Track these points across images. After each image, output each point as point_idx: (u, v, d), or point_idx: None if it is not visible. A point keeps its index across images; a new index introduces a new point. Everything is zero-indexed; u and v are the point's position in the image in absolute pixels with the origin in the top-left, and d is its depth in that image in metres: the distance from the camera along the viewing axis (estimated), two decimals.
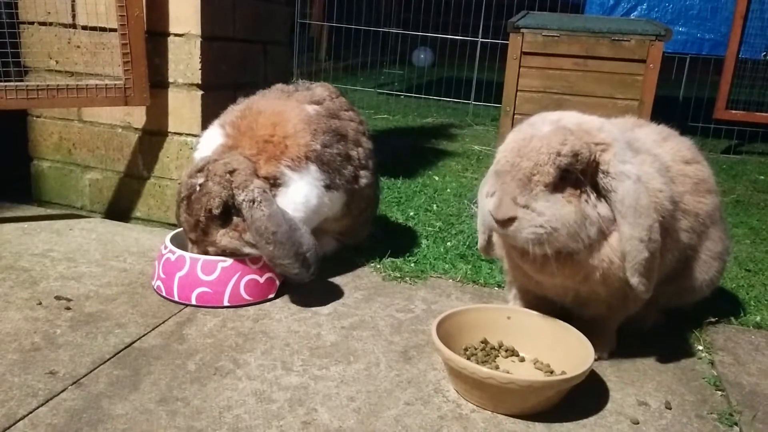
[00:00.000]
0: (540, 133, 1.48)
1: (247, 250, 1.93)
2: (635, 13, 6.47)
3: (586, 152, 1.46)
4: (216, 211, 1.90)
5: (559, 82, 4.35)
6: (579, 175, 1.47)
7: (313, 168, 2.04)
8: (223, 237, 1.95)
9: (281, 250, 1.84)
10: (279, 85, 2.28)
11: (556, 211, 1.45)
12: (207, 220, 1.93)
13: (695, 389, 1.67)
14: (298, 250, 1.86)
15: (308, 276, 1.90)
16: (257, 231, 1.85)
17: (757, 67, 5.51)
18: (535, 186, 1.46)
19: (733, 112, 5.14)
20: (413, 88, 7.21)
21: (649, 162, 1.61)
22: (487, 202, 1.51)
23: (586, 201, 1.48)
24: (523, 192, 1.46)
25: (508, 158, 1.50)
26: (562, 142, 1.44)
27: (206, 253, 1.98)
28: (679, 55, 6.25)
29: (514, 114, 4.45)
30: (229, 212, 1.92)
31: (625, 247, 1.50)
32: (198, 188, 1.92)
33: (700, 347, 1.90)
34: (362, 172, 2.26)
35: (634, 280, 1.53)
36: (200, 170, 1.94)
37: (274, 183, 1.98)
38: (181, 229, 2.11)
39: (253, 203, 1.87)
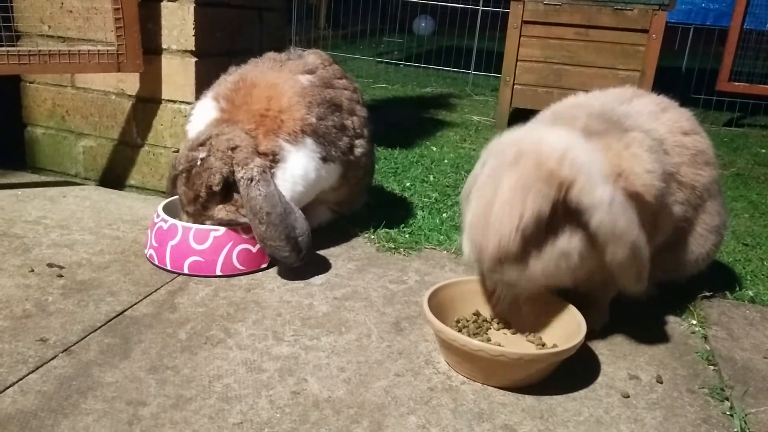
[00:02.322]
0: (498, 198, 1.40)
1: (242, 219, 1.92)
2: None
3: (547, 205, 1.38)
4: (216, 188, 1.89)
5: (560, 52, 4.30)
6: (547, 220, 1.41)
7: (309, 141, 2.02)
8: (220, 211, 1.94)
9: (273, 231, 1.84)
10: (271, 54, 2.23)
11: (530, 272, 1.43)
12: (207, 196, 1.92)
13: (687, 363, 1.67)
14: (290, 234, 1.86)
15: (297, 261, 1.89)
16: (252, 210, 1.85)
17: (761, 39, 5.43)
18: (504, 262, 1.42)
19: (736, 84, 5.08)
20: (413, 57, 7.12)
21: (638, 142, 1.56)
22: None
23: (559, 235, 1.43)
24: (497, 270, 1.44)
25: (474, 237, 1.45)
26: (521, 210, 1.37)
27: (201, 224, 1.97)
28: (683, 25, 6.16)
29: (513, 84, 4.41)
30: (229, 188, 1.91)
31: (611, 267, 1.47)
32: (199, 162, 1.89)
33: (694, 321, 1.89)
34: (357, 141, 2.24)
35: (628, 287, 1.54)
36: (202, 144, 1.91)
37: (274, 159, 1.96)
38: (173, 198, 2.10)
39: (251, 182, 1.86)
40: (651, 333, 1.79)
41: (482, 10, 6.50)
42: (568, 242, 1.43)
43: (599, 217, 1.38)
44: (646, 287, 1.57)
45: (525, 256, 1.41)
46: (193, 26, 2.37)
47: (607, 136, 1.56)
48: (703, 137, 1.84)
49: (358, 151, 2.23)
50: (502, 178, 1.40)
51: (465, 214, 1.57)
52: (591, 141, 1.52)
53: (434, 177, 3.12)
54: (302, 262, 1.91)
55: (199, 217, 1.96)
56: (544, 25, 4.30)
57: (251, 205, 1.85)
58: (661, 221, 1.63)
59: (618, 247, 1.42)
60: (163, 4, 2.38)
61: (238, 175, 1.87)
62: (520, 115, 4.49)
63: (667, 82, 5.39)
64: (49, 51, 2.32)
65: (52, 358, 1.47)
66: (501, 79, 4.50)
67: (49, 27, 2.56)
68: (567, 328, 1.57)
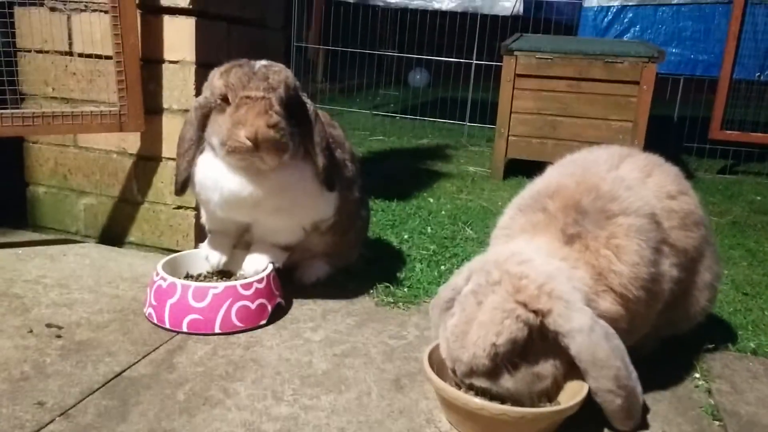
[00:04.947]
0: (478, 317, 1.45)
1: (285, 143, 1.88)
2: (628, 35, 6.53)
3: (523, 332, 1.43)
4: (292, 91, 1.93)
5: (553, 104, 4.38)
6: (524, 343, 1.45)
7: None
8: (279, 124, 1.85)
9: (331, 155, 2.05)
10: None
11: (502, 387, 1.46)
12: (279, 99, 1.87)
13: (692, 419, 1.65)
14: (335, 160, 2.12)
15: (332, 188, 2.08)
16: (319, 134, 2.01)
17: (751, 88, 5.54)
18: (476, 375, 1.46)
19: (728, 132, 5.15)
20: (408, 109, 7.24)
21: (624, 229, 1.56)
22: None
23: (534, 358, 1.47)
24: (470, 378, 1.48)
25: (451, 347, 1.49)
26: (497, 333, 1.41)
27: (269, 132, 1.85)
28: (673, 75, 6.29)
29: (508, 135, 4.47)
30: (290, 112, 1.91)
31: (597, 398, 1.50)
32: (267, 68, 1.93)
33: (698, 375, 1.88)
34: (354, 186, 2.29)
35: (617, 425, 1.55)
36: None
37: None
38: (173, 255, 2.10)
39: (317, 115, 2.03)
40: (654, 388, 1.77)
41: (476, 63, 6.64)
42: (542, 366, 1.47)
43: (578, 345, 1.43)
44: (637, 426, 1.57)
45: (497, 373, 1.44)
46: (194, 86, 2.42)
47: (585, 236, 1.57)
48: (690, 196, 1.84)
49: (353, 195, 2.27)
50: (485, 298, 1.46)
51: (435, 320, 1.65)
52: (571, 246, 1.57)
53: (432, 229, 3.14)
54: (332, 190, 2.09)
55: (269, 118, 1.84)
56: (536, 78, 4.39)
57: (318, 128, 2.01)
58: (656, 298, 1.64)
59: (600, 375, 1.46)
60: (164, 65, 2.45)
61: (309, 105, 2.02)
62: (515, 166, 4.56)
63: (660, 131, 5.47)
64: (53, 113, 2.36)
65: (50, 422, 1.45)
66: (496, 130, 4.57)
67: (53, 89, 2.62)
68: (570, 386, 1.56)
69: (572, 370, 1.56)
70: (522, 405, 1.47)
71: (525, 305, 1.43)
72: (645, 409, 1.65)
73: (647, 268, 1.56)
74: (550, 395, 1.53)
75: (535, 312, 1.43)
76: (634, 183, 1.71)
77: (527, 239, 1.62)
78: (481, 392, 1.49)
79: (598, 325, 1.45)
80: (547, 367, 1.48)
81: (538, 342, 1.46)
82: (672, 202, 1.75)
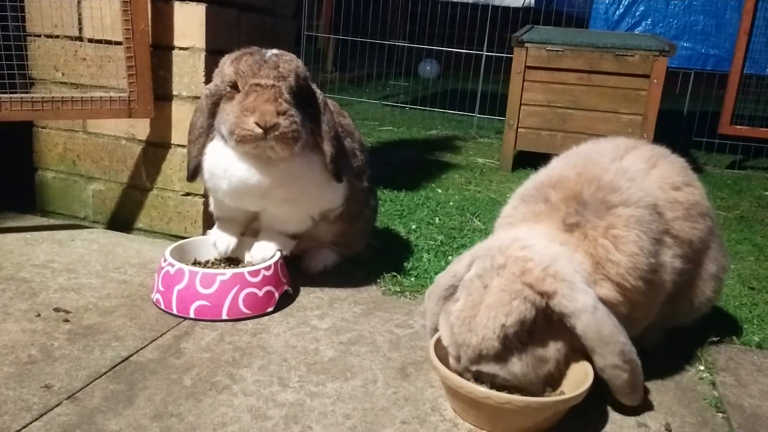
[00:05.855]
0: (486, 300, 1.45)
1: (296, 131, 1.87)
2: (639, 28, 6.49)
3: (531, 312, 1.43)
4: (302, 81, 1.93)
5: (563, 96, 4.36)
6: (531, 326, 1.45)
7: None
8: (289, 112, 1.86)
9: (340, 145, 2.06)
10: None
11: (508, 370, 1.46)
12: (288, 87, 1.88)
13: (696, 411, 1.65)
14: (344, 150, 2.13)
15: (351, 173, 2.14)
16: (327, 123, 2.00)
17: (762, 83, 5.49)
18: (485, 359, 1.46)
19: (738, 127, 5.11)
20: (418, 100, 7.22)
21: (623, 220, 1.56)
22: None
23: (537, 342, 1.47)
24: (476, 364, 1.47)
25: (457, 333, 1.48)
26: (506, 313, 1.42)
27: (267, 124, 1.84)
28: (684, 70, 6.25)
29: (518, 127, 4.46)
30: (299, 102, 1.91)
31: (604, 375, 1.51)
32: (278, 56, 1.92)
33: (702, 367, 1.88)
34: (363, 176, 2.30)
35: (624, 400, 1.56)
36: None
37: None
38: (181, 242, 2.10)
39: (326, 104, 2.03)
40: (659, 379, 1.78)
41: (486, 54, 6.61)
42: (545, 349, 1.48)
43: (584, 323, 1.43)
44: (641, 400, 1.59)
45: (504, 356, 1.45)
46: (204, 73, 2.42)
47: (584, 225, 1.57)
48: (696, 187, 1.83)
49: (362, 184, 2.27)
50: (491, 282, 1.46)
51: (431, 309, 1.66)
52: (570, 233, 1.57)
53: (440, 219, 3.13)
54: (339, 181, 2.09)
55: (270, 104, 1.84)
56: (546, 70, 4.37)
57: (327, 118, 2.01)
58: (656, 289, 1.64)
59: (607, 351, 1.46)
60: (174, 52, 2.45)
61: (319, 95, 2.01)
62: (524, 158, 4.54)
63: (670, 125, 5.44)
64: (62, 97, 2.37)
65: (56, 406, 1.46)
66: (505, 122, 4.55)
67: (63, 74, 2.63)
68: (574, 375, 1.56)
69: (574, 356, 1.56)
70: (526, 393, 1.47)
71: (531, 287, 1.43)
72: (646, 389, 1.66)
73: (646, 259, 1.56)
74: (554, 383, 1.53)
75: (541, 294, 1.43)
76: (637, 174, 1.71)
77: (529, 226, 1.62)
78: (484, 382, 1.49)
79: (600, 304, 1.46)
80: (550, 350, 1.48)
81: (541, 325, 1.46)
82: (677, 193, 1.74)
